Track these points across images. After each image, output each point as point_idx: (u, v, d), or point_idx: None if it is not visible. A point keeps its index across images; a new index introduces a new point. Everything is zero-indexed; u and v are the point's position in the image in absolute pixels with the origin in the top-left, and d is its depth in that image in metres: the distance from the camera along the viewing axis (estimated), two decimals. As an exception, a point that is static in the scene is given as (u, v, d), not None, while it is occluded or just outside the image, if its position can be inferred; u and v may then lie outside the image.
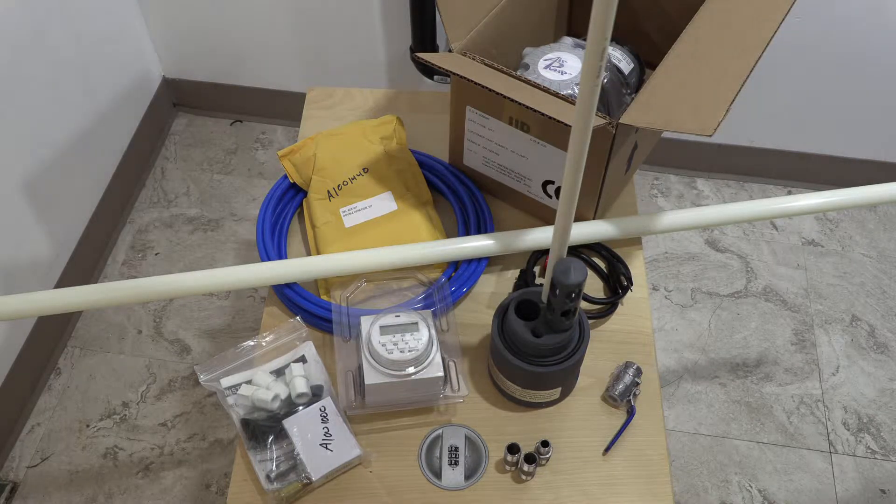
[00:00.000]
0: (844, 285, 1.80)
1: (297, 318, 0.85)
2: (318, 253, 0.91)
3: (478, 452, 0.79)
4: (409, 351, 0.76)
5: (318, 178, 0.95)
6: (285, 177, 0.98)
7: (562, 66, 0.90)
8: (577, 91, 0.75)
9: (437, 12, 1.57)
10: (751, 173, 1.99)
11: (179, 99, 2.08)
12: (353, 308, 0.85)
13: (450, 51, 0.87)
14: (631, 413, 0.82)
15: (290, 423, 0.77)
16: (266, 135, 2.06)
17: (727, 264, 1.83)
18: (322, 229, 0.92)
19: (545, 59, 0.92)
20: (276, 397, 0.78)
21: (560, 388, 0.80)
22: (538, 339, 0.75)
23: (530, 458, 0.76)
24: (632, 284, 0.91)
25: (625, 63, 0.95)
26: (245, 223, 1.86)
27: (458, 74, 0.80)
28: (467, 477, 0.77)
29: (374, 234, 0.91)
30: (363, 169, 0.96)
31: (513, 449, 0.77)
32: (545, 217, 0.96)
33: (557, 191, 0.91)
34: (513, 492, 0.77)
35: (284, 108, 2.02)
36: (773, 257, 1.85)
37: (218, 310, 1.70)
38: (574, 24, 1.10)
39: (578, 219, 0.91)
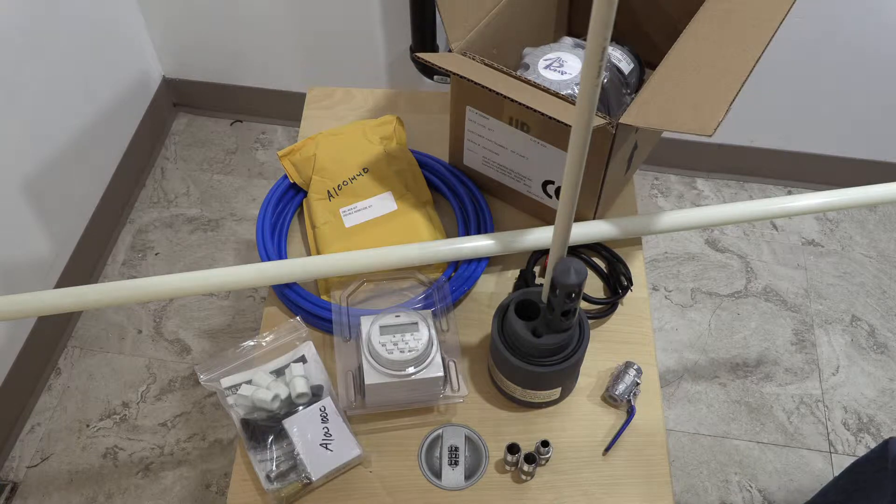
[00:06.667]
0: (844, 285, 1.80)
1: (297, 318, 0.85)
2: (318, 253, 0.91)
3: (478, 452, 0.79)
4: (409, 351, 0.76)
5: (318, 178, 0.95)
6: (285, 177, 0.98)
7: (562, 66, 0.90)
8: (577, 91, 0.75)
9: (437, 12, 1.57)
10: (751, 173, 1.99)
11: (179, 99, 2.08)
12: (353, 308, 0.85)
13: (450, 51, 0.87)
14: (631, 413, 0.82)
15: (290, 423, 0.77)
16: (266, 135, 2.06)
17: (727, 264, 1.83)
18: (322, 229, 0.92)
19: (545, 59, 0.92)
20: (276, 397, 0.78)
21: (560, 388, 0.80)
22: (538, 339, 0.75)
23: (530, 458, 0.76)
24: (632, 284, 0.91)
25: (625, 63, 0.95)
26: (245, 223, 1.86)
27: (458, 74, 0.80)
28: (467, 477, 0.77)
29: (374, 234, 0.91)
30: (363, 169, 0.96)
31: (513, 449, 0.77)
32: (545, 217, 0.96)
33: (557, 191, 0.91)
34: (513, 492, 0.77)
35: (284, 108, 2.02)
36: (773, 257, 1.85)
37: (218, 310, 1.70)
38: (574, 24, 1.10)
39: (578, 219, 0.91)
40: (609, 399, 0.83)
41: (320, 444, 0.76)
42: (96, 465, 1.48)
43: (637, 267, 0.93)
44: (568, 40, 0.96)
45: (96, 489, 1.46)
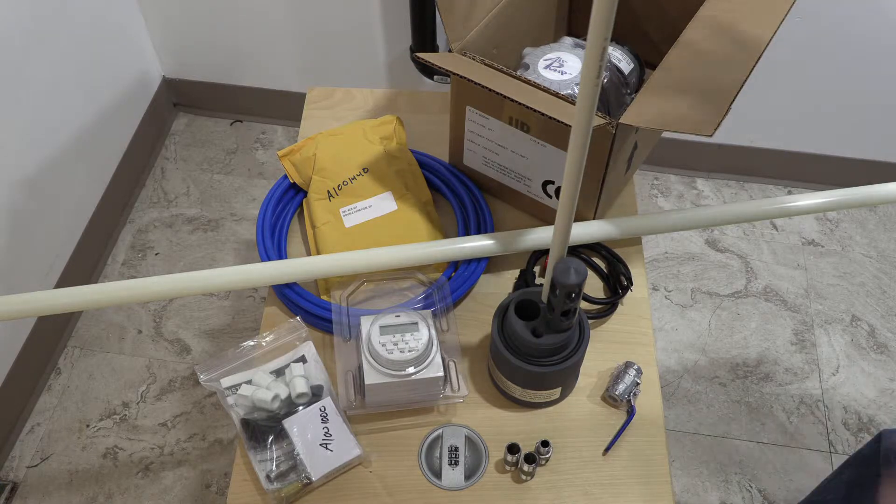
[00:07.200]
0: (844, 285, 1.80)
1: (297, 318, 0.85)
2: (318, 253, 0.91)
3: (478, 452, 0.79)
4: (409, 351, 0.76)
5: (318, 178, 0.95)
6: (285, 177, 0.98)
7: (562, 66, 0.91)
8: (577, 91, 0.75)
9: (437, 12, 1.57)
10: (751, 173, 1.99)
11: (179, 99, 2.08)
12: (353, 308, 0.85)
13: (450, 51, 0.87)
14: (631, 413, 0.82)
15: (290, 423, 0.77)
16: (266, 135, 2.06)
17: (727, 264, 1.83)
18: (322, 229, 0.92)
19: (545, 59, 0.92)
20: (276, 397, 0.78)
21: (560, 388, 0.80)
22: (538, 339, 0.75)
23: (530, 458, 0.76)
24: (632, 284, 0.91)
25: (625, 63, 0.95)
26: (245, 223, 1.86)
27: (458, 74, 0.80)
28: (467, 477, 0.77)
29: (374, 234, 0.91)
30: (363, 169, 0.96)
31: (513, 449, 0.77)
32: (545, 217, 0.96)
33: (557, 191, 0.91)
34: (513, 492, 0.77)
35: (284, 108, 2.02)
36: (773, 257, 1.85)
37: (218, 310, 1.70)
38: (574, 24, 1.10)
39: (578, 219, 0.91)
40: (609, 399, 0.83)
41: (320, 444, 0.76)
42: (96, 465, 1.48)
43: (637, 267, 0.93)
44: (568, 40, 0.96)
45: (96, 489, 1.46)
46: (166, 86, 2.03)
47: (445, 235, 0.95)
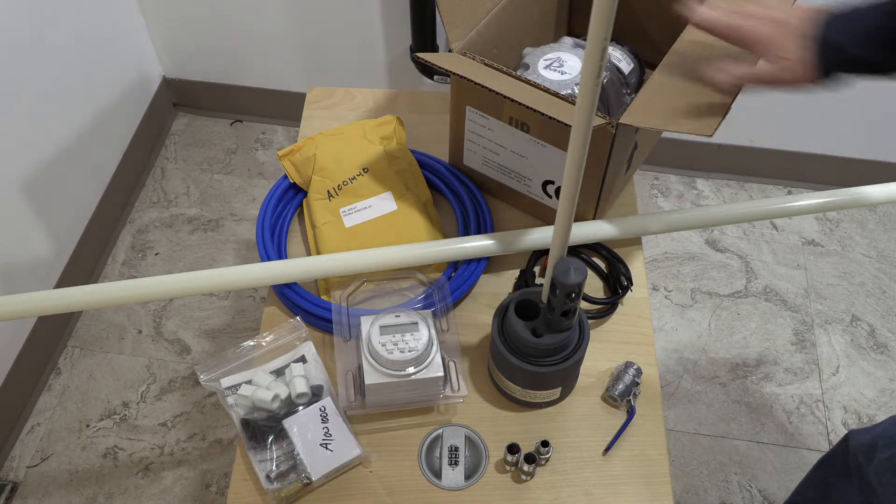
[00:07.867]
0: (844, 285, 1.80)
1: (297, 318, 0.85)
2: (318, 253, 0.91)
3: (478, 452, 0.79)
4: (409, 351, 0.76)
5: (318, 178, 0.95)
6: (285, 177, 0.98)
7: (562, 66, 0.91)
8: (577, 91, 0.75)
9: (437, 12, 1.57)
10: (751, 173, 1.99)
11: (179, 99, 2.08)
12: (353, 308, 0.85)
13: (450, 51, 0.87)
14: (631, 413, 0.82)
15: (290, 423, 0.77)
16: (266, 135, 2.06)
17: (727, 264, 1.83)
18: (322, 229, 0.92)
19: (545, 59, 0.92)
20: (276, 397, 0.78)
21: (560, 388, 0.80)
22: (538, 339, 0.75)
23: (530, 458, 0.76)
24: (632, 284, 0.91)
25: (625, 63, 0.95)
26: (245, 223, 1.86)
27: (458, 74, 0.80)
28: (467, 477, 0.77)
29: (374, 234, 0.91)
30: (363, 169, 0.96)
31: (513, 449, 0.77)
32: (545, 217, 0.96)
33: (557, 191, 0.91)
34: (513, 492, 0.77)
35: (284, 108, 2.02)
36: (773, 257, 1.85)
37: (218, 310, 1.70)
38: (574, 24, 1.10)
39: (578, 219, 0.91)
40: (609, 399, 0.83)
41: (320, 444, 0.76)
42: (96, 465, 1.48)
43: (637, 267, 0.93)
44: (568, 40, 0.96)
45: (96, 489, 1.46)
46: (166, 86, 2.03)
47: (445, 235, 0.95)
